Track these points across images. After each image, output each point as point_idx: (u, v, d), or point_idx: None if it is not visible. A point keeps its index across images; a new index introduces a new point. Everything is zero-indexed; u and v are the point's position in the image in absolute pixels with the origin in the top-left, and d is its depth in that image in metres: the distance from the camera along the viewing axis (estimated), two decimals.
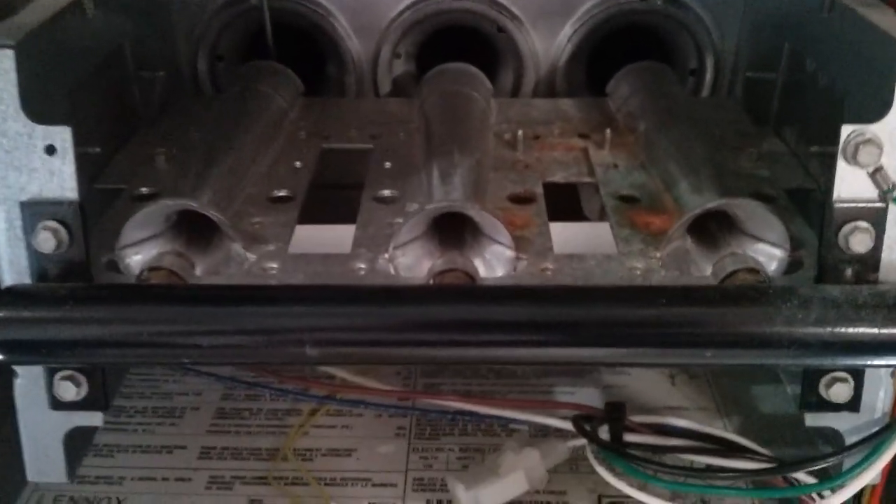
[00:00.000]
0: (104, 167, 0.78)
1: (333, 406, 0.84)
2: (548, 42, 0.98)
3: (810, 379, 0.60)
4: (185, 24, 0.97)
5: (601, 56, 0.99)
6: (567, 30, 0.97)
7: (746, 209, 0.64)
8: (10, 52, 0.56)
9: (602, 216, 0.94)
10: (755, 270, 0.60)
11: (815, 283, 0.60)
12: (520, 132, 0.81)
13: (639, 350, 0.54)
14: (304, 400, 0.84)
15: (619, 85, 0.91)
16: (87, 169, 0.73)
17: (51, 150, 0.58)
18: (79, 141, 0.60)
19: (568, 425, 0.74)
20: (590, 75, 1.00)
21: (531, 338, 0.54)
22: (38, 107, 0.58)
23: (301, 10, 0.97)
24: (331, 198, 0.82)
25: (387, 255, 0.65)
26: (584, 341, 0.53)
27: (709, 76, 0.98)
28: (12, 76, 0.57)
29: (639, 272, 0.63)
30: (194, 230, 0.67)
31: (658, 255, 0.65)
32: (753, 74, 0.88)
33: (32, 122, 0.57)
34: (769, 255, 0.64)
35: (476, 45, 1.00)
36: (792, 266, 0.63)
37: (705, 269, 0.64)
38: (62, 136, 0.58)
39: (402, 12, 0.97)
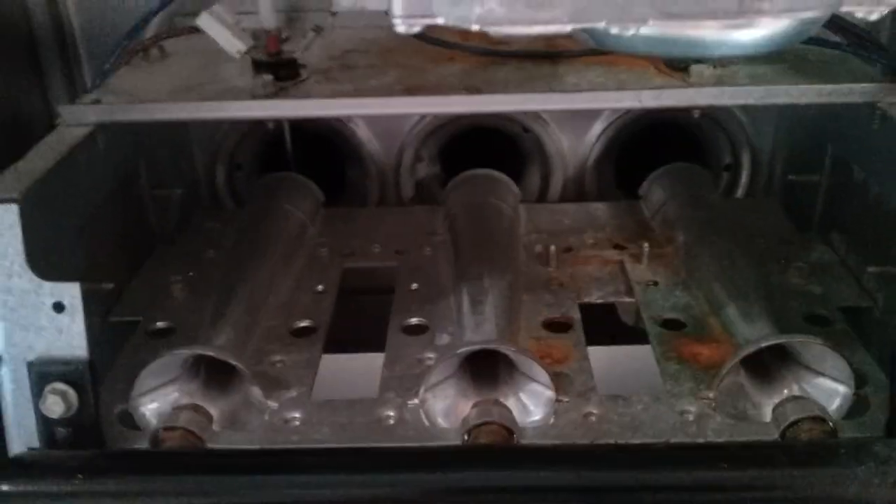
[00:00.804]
0: (120, 293, 0.74)
1: None
2: (576, 141, 0.94)
3: None
4: (203, 135, 0.94)
5: (632, 153, 0.95)
6: (596, 129, 0.94)
7: (806, 345, 0.59)
8: (13, 207, 0.53)
9: (638, 321, 0.90)
10: (821, 419, 0.55)
11: (886, 427, 0.55)
12: (552, 247, 0.77)
13: None
14: None
15: (653, 188, 0.87)
16: (100, 302, 0.70)
17: (59, 307, 0.54)
18: (91, 276, 0.56)
19: None
20: (620, 173, 0.96)
21: None
22: (45, 261, 0.55)
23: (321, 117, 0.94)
24: (356, 306, 0.78)
25: (417, 400, 0.61)
26: None
27: (745, 173, 0.94)
28: (17, 231, 0.53)
29: (691, 417, 0.58)
30: (212, 371, 0.63)
31: (710, 394, 0.60)
32: (794, 177, 0.84)
33: (39, 278, 0.54)
34: (831, 392, 0.59)
35: (501, 144, 0.96)
36: (857, 406, 0.58)
37: (763, 408, 0.59)
38: (71, 292, 0.54)
39: (423, 116, 0.94)
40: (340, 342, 0.74)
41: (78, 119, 0.65)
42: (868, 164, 0.70)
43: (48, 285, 0.54)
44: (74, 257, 0.60)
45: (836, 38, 0.71)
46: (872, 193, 0.70)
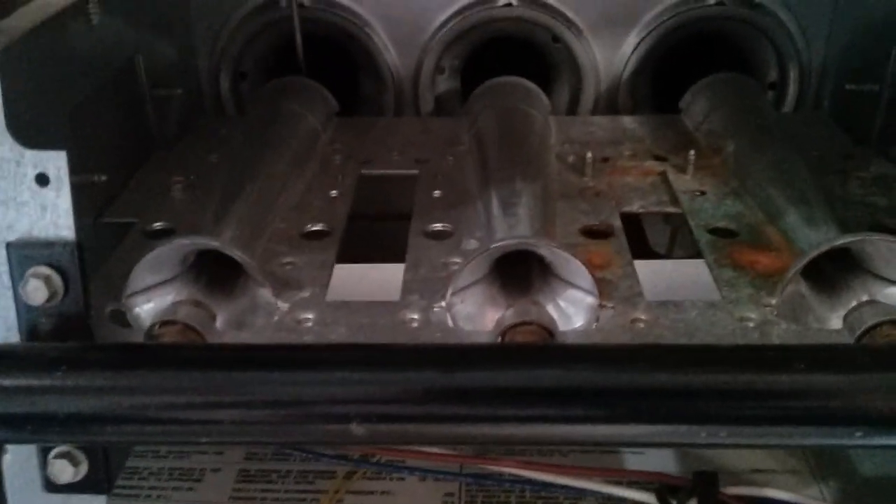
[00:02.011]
0: (113, 198, 0.68)
1: (372, 469, 0.74)
2: (610, 53, 0.87)
3: None
4: (206, 38, 0.87)
5: (669, 69, 0.88)
6: (632, 39, 0.87)
7: (882, 247, 0.53)
8: None
9: (672, 250, 0.84)
10: None
11: None
12: (588, 154, 0.71)
13: (772, 429, 0.43)
14: (338, 462, 0.73)
15: (696, 99, 0.80)
16: (92, 200, 0.64)
17: (43, 179, 0.48)
18: (83, 168, 0.50)
19: (646, 497, 0.64)
20: (656, 90, 0.89)
21: (638, 413, 0.43)
22: (28, 128, 0.48)
23: (334, 21, 0.87)
24: (372, 231, 0.72)
25: (443, 303, 0.54)
26: (705, 418, 0.42)
27: (792, 89, 0.87)
28: None
29: (752, 324, 0.52)
30: (215, 273, 0.56)
31: (773, 301, 0.54)
32: (851, 86, 0.77)
33: (21, 145, 0.47)
34: None
35: (528, 58, 0.89)
36: None
37: (827, 320, 0.53)
38: (56, 162, 0.48)
39: (446, 22, 0.87)
40: (355, 260, 0.67)
41: None
42: None
43: (31, 154, 0.47)
44: (60, 137, 0.53)
45: None
46: None
